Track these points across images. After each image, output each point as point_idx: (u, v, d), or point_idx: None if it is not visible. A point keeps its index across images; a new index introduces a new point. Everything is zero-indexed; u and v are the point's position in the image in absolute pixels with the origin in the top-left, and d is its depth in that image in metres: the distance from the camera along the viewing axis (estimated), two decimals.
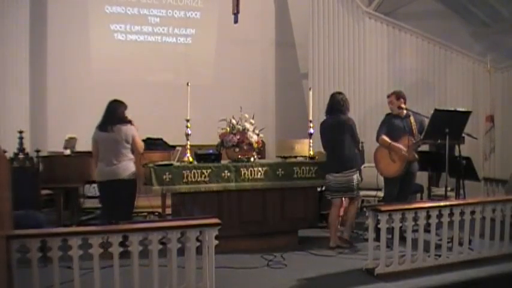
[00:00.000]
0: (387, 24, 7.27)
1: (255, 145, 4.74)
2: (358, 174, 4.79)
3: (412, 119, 4.89)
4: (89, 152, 5.36)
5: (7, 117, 6.15)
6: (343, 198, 4.82)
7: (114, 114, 4.44)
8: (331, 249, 4.68)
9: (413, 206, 4.07)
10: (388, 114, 5.05)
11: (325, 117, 4.93)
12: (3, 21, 6.27)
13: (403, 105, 4.90)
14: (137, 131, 4.56)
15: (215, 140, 4.88)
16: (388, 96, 5.07)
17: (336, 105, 4.81)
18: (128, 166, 4.44)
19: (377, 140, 4.95)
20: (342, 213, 4.93)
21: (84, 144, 5.77)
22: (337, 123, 4.75)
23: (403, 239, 4.01)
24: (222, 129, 4.77)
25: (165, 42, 8.03)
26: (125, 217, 4.51)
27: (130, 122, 4.54)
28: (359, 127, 6.93)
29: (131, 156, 4.49)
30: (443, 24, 7.99)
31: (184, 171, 4.49)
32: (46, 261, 3.05)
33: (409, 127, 4.84)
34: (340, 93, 4.95)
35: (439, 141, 4.60)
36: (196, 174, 4.52)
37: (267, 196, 4.78)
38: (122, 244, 3.13)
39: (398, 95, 4.98)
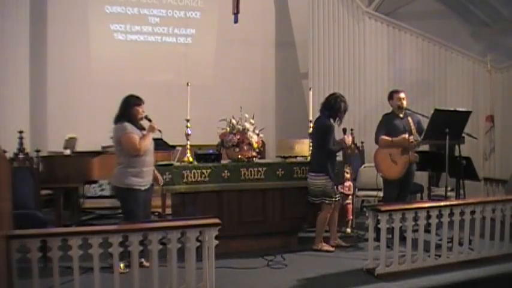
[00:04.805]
0: (387, 24, 7.28)
1: (255, 145, 4.73)
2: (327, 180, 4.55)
3: (410, 119, 4.84)
4: (89, 152, 5.38)
5: (7, 117, 6.14)
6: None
7: (117, 113, 4.00)
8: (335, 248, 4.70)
9: (413, 206, 4.07)
10: (385, 115, 4.97)
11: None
12: (3, 21, 6.26)
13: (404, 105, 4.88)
14: (153, 131, 4.02)
15: (215, 140, 4.87)
16: (399, 92, 4.89)
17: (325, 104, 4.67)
18: (117, 173, 3.93)
19: (376, 142, 4.87)
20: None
21: (84, 144, 5.78)
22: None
23: (403, 239, 4.01)
24: (222, 129, 4.76)
25: (165, 42, 8.04)
26: None
27: (149, 120, 4.08)
28: (359, 127, 7.02)
29: (122, 160, 3.90)
30: (443, 24, 7.99)
31: (184, 171, 4.48)
32: (46, 261, 3.05)
33: (408, 127, 4.79)
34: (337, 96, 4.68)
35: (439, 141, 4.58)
36: (196, 174, 4.51)
37: (267, 196, 4.77)
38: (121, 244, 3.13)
39: None
